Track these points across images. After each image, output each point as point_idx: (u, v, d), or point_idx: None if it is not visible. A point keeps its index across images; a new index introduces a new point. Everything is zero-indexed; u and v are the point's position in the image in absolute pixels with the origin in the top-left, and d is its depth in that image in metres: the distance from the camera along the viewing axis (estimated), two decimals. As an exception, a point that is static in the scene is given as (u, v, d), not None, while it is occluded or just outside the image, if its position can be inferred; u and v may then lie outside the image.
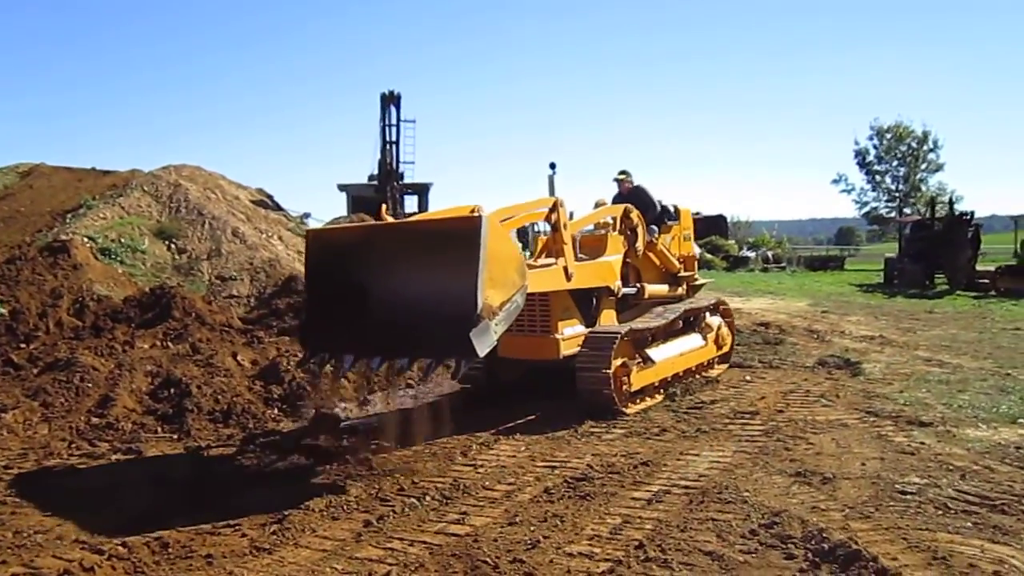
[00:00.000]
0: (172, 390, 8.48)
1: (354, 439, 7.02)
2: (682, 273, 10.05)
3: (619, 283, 8.58)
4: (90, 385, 8.89)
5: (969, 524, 4.52)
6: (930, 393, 8.08)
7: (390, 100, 29.21)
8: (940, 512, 4.72)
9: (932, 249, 24.80)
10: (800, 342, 11.97)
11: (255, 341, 11.07)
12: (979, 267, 23.72)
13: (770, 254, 39.44)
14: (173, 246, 18.09)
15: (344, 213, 27.86)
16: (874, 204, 54.46)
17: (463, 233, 5.65)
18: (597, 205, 9.19)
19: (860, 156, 53.33)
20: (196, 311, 12.24)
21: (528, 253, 9.02)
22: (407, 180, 30.59)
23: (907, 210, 48.23)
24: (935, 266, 24.77)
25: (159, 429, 7.63)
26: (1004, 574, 3.88)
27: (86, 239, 16.97)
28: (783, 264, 37.83)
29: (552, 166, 8.70)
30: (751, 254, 38.04)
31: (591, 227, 8.76)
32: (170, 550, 4.53)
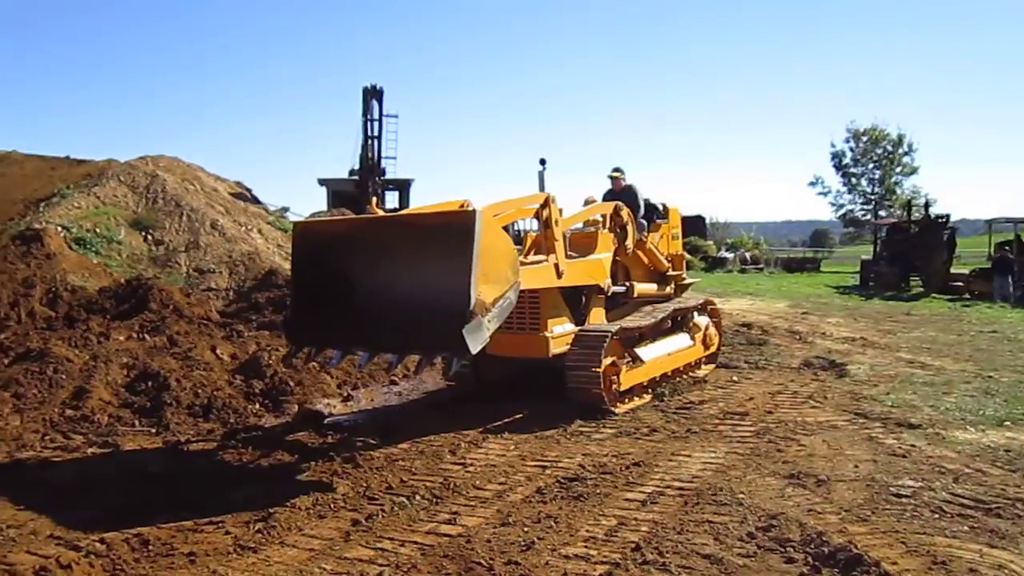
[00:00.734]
0: (149, 383, 8.30)
1: (339, 436, 6.89)
2: (671, 272, 9.98)
3: (609, 281, 8.50)
4: (64, 377, 8.66)
5: (966, 528, 4.48)
6: (916, 395, 8.07)
7: (372, 94, 28.97)
8: (936, 515, 4.68)
9: (908, 252, 24.99)
10: (783, 343, 11.97)
11: (235, 335, 10.88)
12: (953, 270, 23.94)
13: (748, 255, 39.63)
14: (150, 237, 17.81)
15: (324, 208, 27.61)
16: (850, 206, 55.05)
17: (456, 227, 5.53)
18: (587, 202, 9.10)
19: (836, 159, 53.95)
20: (174, 303, 12.02)
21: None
22: (388, 175, 30.35)
23: (882, 213, 48.75)
24: (911, 269, 24.96)
25: (136, 422, 7.45)
26: (1006, 579, 3.84)
27: (60, 228, 16.65)
28: (761, 265, 38.03)
29: (542, 162, 8.62)
30: (729, 255, 38.17)
31: (581, 224, 8.67)
32: (150, 547, 4.39)
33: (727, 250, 39.91)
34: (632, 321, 8.29)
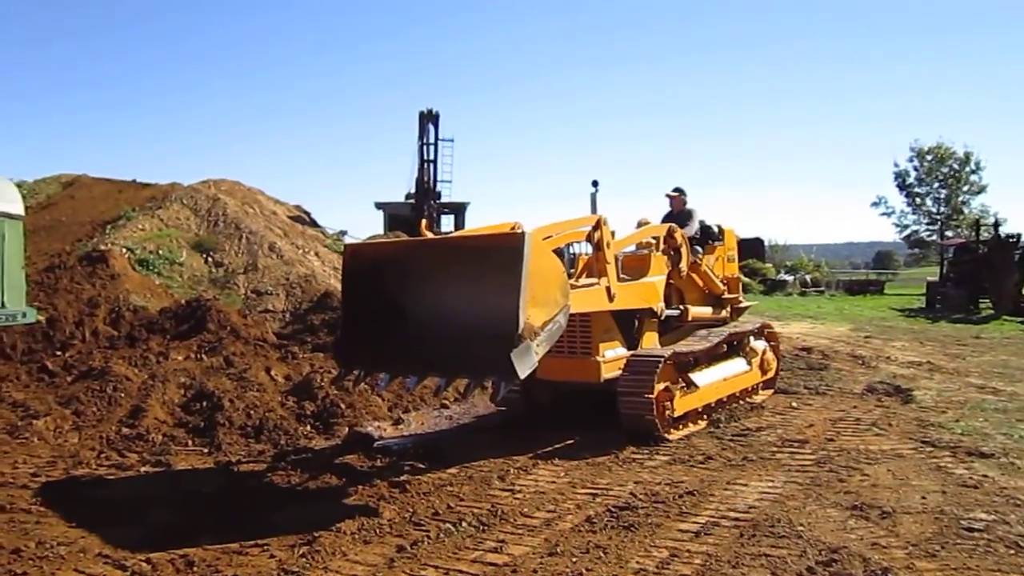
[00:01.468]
0: (204, 403, 8.38)
1: (388, 459, 6.83)
2: (726, 295, 9.71)
3: (662, 304, 8.30)
4: (122, 395, 8.82)
5: (1045, 567, 4.20)
6: (988, 422, 7.70)
7: (428, 118, 29.28)
8: (1012, 552, 4.40)
9: (977, 273, 24.19)
10: (845, 367, 11.59)
11: (289, 356, 10.97)
12: (1025, 291, 23.04)
13: (808, 278, 38.82)
14: (210, 259, 18.17)
15: (381, 231, 27.89)
16: (914, 227, 53.61)
17: (505, 250, 5.47)
18: (640, 224, 8.91)
19: (900, 178, 52.64)
20: (231, 324, 12.19)
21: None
22: (444, 199, 30.57)
23: (949, 233, 47.31)
24: (980, 290, 24.13)
25: (190, 442, 7.51)
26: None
27: (124, 249, 17.09)
28: (821, 288, 37.20)
29: (595, 184, 8.49)
30: (788, 277, 37.45)
31: (634, 247, 8.52)
32: (195, 569, 4.37)
33: (786, 272, 39.15)
34: (685, 345, 8.07)
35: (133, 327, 12.56)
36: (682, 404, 7.55)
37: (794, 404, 8.98)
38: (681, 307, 8.83)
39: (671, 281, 8.69)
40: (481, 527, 5.01)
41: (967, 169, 50.79)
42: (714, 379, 8.21)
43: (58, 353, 11.61)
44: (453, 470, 6.38)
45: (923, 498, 5.36)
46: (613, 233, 7.59)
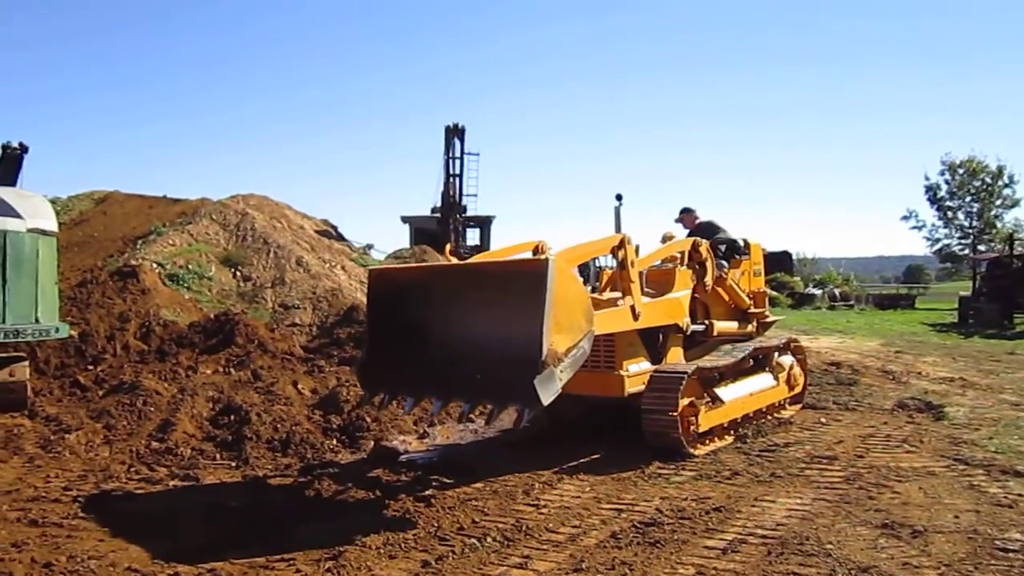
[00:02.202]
0: (232, 416, 8.44)
1: (413, 473, 6.84)
2: (752, 310, 9.60)
3: (688, 320, 8.26)
4: (152, 409, 8.92)
5: (1082, 589, 4.11)
6: (1022, 440, 7.56)
7: (454, 133, 29.44)
8: (1047, 574, 4.31)
9: (1011, 288, 23.82)
10: (875, 383, 11.45)
11: (316, 370, 11.04)
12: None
13: (837, 292, 38.44)
14: (238, 273, 18.34)
15: (407, 245, 28.03)
16: (946, 241, 52.84)
17: (529, 275, 5.49)
18: (665, 239, 8.93)
19: (931, 192, 51.91)
20: (259, 338, 12.29)
21: (590, 287, 8.74)
22: (470, 212, 30.67)
23: (981, 247, 46.62)
24: (1013, 305, 23.76)
25: (217, 456, 7.56)
26: None
27: (155, 264, 17.31)
28: (851, 302, 36.81)
29: (619, 197, 8.46)
30: (817, 292, 37.10)
31: (659, 261, 8.46)
32: (223, 584, 4.38)
33: (815, 286, 38.80)
34: (710, 360, 8.01)
35: (163, 341, 12.71)
36: (707, 419, 7.48)
37: (823, 420, 8.88)
38: (707, 322, 8.74)
39: (696, 295, 8.61)
40: (506, 542, 4.99)
41: (1000, 183, 49.98)
42: (740, 394, 8.12)
43: (90, 367, 11.77)
44: (478, 484, 6.37)
45: (956, 517, 5.26)
46: (637, 248, 7.57)
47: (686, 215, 9.76)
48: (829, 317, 27.47)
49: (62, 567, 4.66)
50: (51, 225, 10.73)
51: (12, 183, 11.72)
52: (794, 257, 43.94)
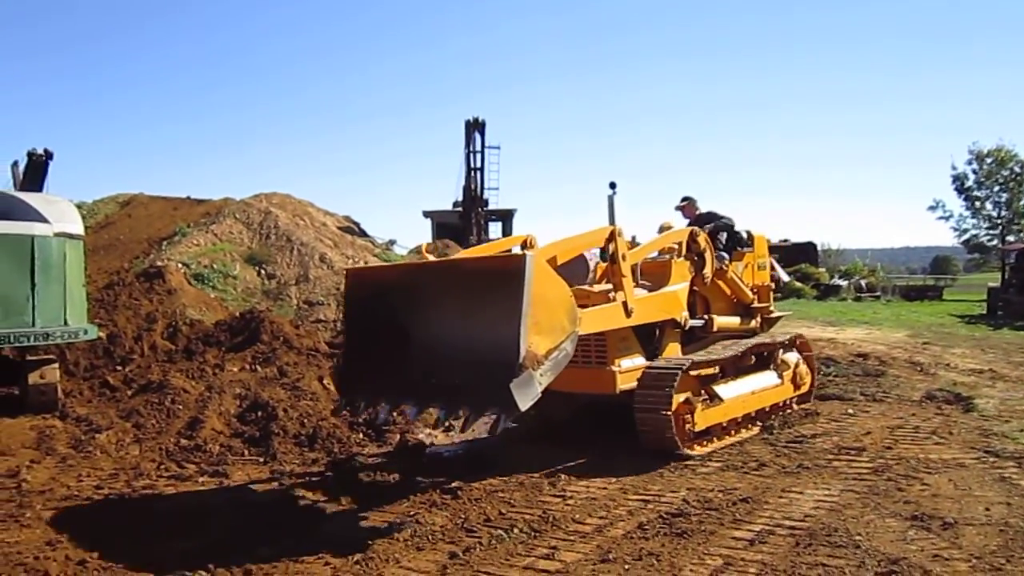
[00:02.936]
0: (259, 413, 8.52)
1: (439, 466, 6.87)
2: (756, 304, 9.16)
3: (686, 314, 7.84)
4: (180, 407, 9.03)
5: (1117, 579, 4.05)
6: (1054, 432, 7.45)
7: (475, 127, 29.50)
8: (1081, 565, 4.25)
9: (1041, 279, 23.44)
10: (903, 374, 11.32)
11: (340, 366, 11.09)
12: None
13: (863, 283, 37.99)
14: (263, 271, 18.48)
15: (429, 239, 28.13)
16: (974, 231, 52.10)
17: (505, 273, 5.19)
18: (662, 229, 8.51)
19: (958, 181, 51.17)
20: (284, 335, 12.37)
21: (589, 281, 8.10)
22: (491, 206, 30.73)
23: (1011, 238, 45.90)
24: (1044, 297, 23.37)
25: (246, 452, 7.64)
26: None
27: (180, 265, 17.48)
28: (877, 293, 36.38)
29: (612, 186, 7.72)
30: (843, 283, 36.68)
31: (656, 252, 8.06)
32: (252, 577, 4.42)
33: (840, 278, 38.37)
34: (707, 355, 7.61)
35: (190, 340, 12.84)
36: (704, 418, 7.13)
37: (850, 411, 8.80)
38: (706, 317, 8.34)
39: (695, 289, 8.21)
40: (533, 533, 5.01)
41: (1028, 172, 49.20)
42: (740, 392, 7.72)
43: (118, 368, 11.92)
44: (504, 476, 6.39)
45: (987, 510, 5.21)
46: (633, 239, 7.34)
47: (687, 204, 9.31)
48: (855, 308, 27.18)
49: (95, 565, 4.73)
50: (77, 229, 10.87)
51: (38, 189, 11.89)
52: (819, 248, 43.57)
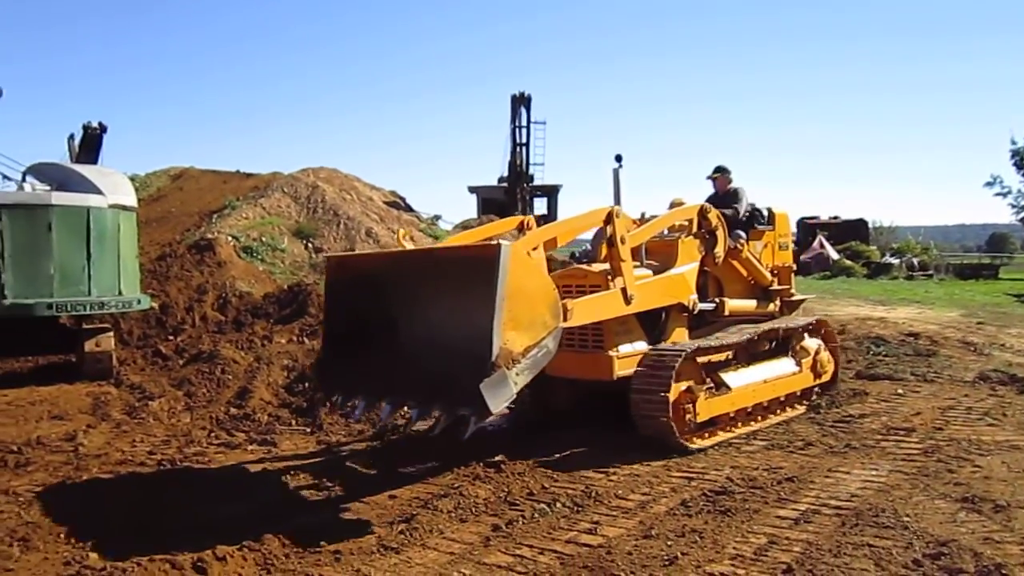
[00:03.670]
0: (306, 384, 8.65)
1: (483, 439, 6.91)
2: (775, 287, 8.52)
3: (694, 297, 7.29)
4: (230, 377, 9.22)
5: None
6: (1113, 415, 7.24)
7: (520, 101, 29.40)
8: None
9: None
10: (955, 354, 11.06)
11: (386, 339, 11.20)
12: None
13: (915, 261, 37.17)
14: (310, 245, 18.71)
15: (474, 215, 28.18)
16: (1033, 208, 50.48)
17: (478, 263, 4.88)
18: (673, 205, 7.88)
19: (1018, 156, 49.52)
20: (330, 308, 12.52)
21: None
22: (537, 181, 30.66)
23: (1072, 215, 44.42)
24: (1107, 276, 22.65)
25: (293, 422, 7.78)
26: None
27: (230, 238, 17.77)
28: (930, 272, 35.57)
29: (618, 159, 7.30)
30: (894, 261, 35.92)
31: (666, 231, 7.59)
32: (299, 543, 4.51)
33: (892, 256, 37.58)
34: (715, 340, 7.12)
35: (239, 312, 13.09)
36: (709, 407, 6.66)
37: (900, 391, 8.64)
38: (717, 300, 7.72)
39: (707, 269, 7.68)
40: (576, 508, 5.03)
41: (1093, 146, 47.46)
42: (751, 380, 7.20)
43: (170, 338, 12.22)
44: (547, 451, 6.41)
45: (1041, 492, 5.09)
46: (643, 215, 6.92)
47: (720, 175, 8.61)
48: (906, 287, 26.61)
49: (147, 526, 4.87)
50: (131, 201, 11.11)
51: (93, 161, 12.17)
52: (870, 225, 42.67)
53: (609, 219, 6.29)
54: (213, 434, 7.39)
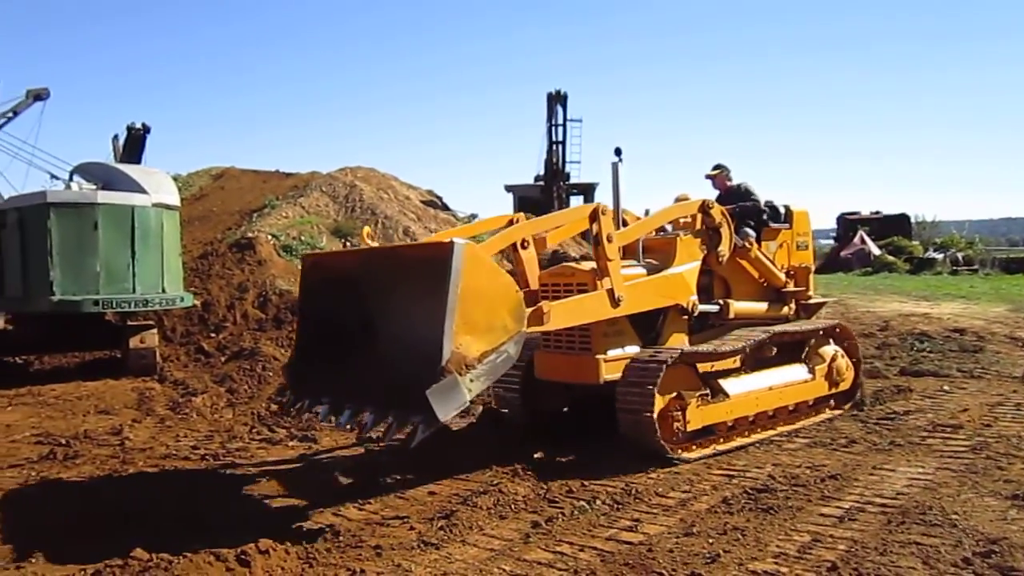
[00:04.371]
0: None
1: (522, 437, 6.91)
2: (789, 288, 7.93)
3: (694, 299, 6.83)
4: (271, 374, 9.33)
5: None
6: None
7: (557, 99, 29.32)
8: None
9: None
10: (1003, 350, 10.84)
11: (423, 336, 11.25)
12: None
13: (960, 256, 36.41)
14: (348, 244, 18.83)
15: (510, 213, 28.15)
16: (1083, 201, 49.23)
17: (431, 262, 4.63)
18: (678, 200, 7.50)
19: (1067, 148, 48.35)
20: (368, 306, 12.62)
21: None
22: (573, 180, 30.55)
23: (1124, 208, 43.24)
24: None
25: (332, 418, 7.82)
26: None
27: (270, 236, 17.96)
28: (975, 266, 34.81)
29: (617, 152, 6.86)
30: (938, 256, 35.24)
31: (670, 228, 7.27)
32: (341, 538, 4.56)
33: (935, 251, 36.86)
34: (710, 345, 6.65)
35: (279, 310, 13.24)
36: (702, 416, 6.27)
37: (946, 387, 8.48)
38: (721, 301, 7.26)
39: (711, 269, 7.23)
40: (616, 505, 5.00)
41: None
42: (754, 387, 6.77)
43: (212, 335, 12.40)
44: (587, 448, 6.39)
45: (1094, 490, 4.95)
46: (647, 212, 6.73)
47: (718, 172, 8.13)
48: (951, 282, 26.10)
49: (191, 517, 4.95)
50: (174, 200, 11.29)
51: (137, 161, 12.41)
52: (912, 220, 41.95)
53: (594, 216, 5.97)
54: (255, 430, 7.48)
